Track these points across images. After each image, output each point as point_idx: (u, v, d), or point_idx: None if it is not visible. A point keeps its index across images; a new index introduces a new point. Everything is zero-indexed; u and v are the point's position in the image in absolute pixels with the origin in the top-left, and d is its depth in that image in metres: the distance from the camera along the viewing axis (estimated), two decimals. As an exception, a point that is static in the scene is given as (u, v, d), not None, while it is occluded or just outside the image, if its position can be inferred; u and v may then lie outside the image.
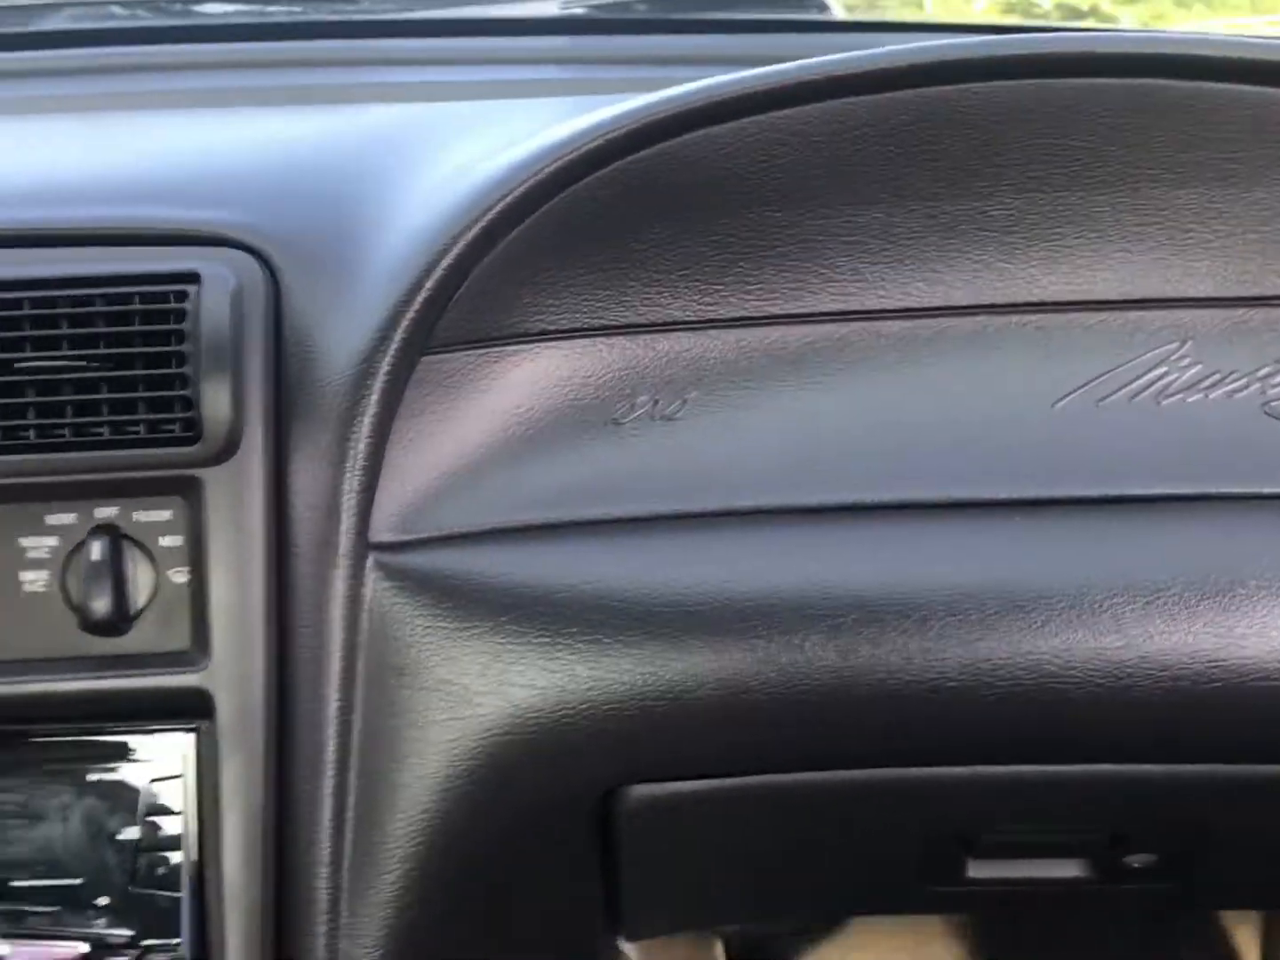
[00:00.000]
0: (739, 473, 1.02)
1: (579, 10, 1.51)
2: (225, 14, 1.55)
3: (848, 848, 1.09)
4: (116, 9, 1.56)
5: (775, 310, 1.06)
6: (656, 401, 1.05)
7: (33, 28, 1.57)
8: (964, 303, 1.06)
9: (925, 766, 1.03)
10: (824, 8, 1.58)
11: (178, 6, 1.56)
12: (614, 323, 1.05)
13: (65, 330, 0.96)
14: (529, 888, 1.11)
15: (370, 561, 0.99)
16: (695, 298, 1.05)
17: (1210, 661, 0.94)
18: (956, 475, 1.01)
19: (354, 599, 0.99)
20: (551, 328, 1.04)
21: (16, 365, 0.96)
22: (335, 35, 1.54)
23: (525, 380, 1.04)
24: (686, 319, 1.05)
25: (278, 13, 1.54)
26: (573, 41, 1.54)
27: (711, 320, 1.06)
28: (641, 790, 1.04)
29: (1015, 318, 1.05)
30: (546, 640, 0.97)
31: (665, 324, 1.05)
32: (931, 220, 1.05)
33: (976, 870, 1.14)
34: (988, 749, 1.01)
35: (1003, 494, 1.00)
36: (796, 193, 1.04)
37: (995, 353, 1.05)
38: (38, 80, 1.47)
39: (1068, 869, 1.17)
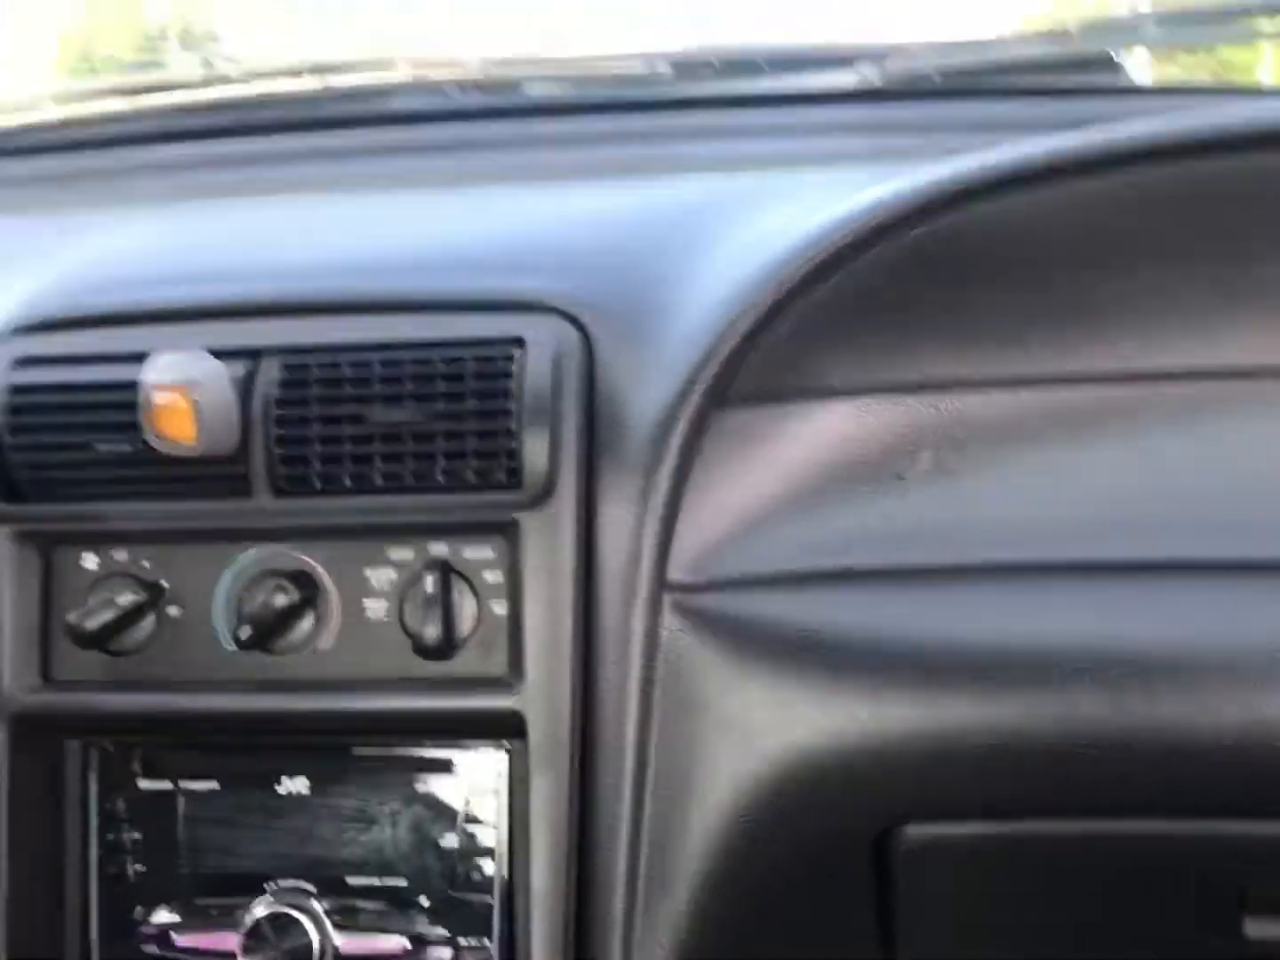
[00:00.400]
0: (1017, 528, 1.06)
1: (876, 81, 1.55)
2: (549, 94, 1.67)
3: (1119, 895, 1.10)
4: (450, 90, 1.70)
5: (1058, 371, 1.10)
6: (938, 457, 1.10)
7: (374, 109, 1.72)
8: (1250, 365, 1.07)
9: (1198, 819, 1.04)
10: (1120, 72, 1.58)
11: (503, 87, 1.68)
12: (900, 382, 1.11)
13: (408, 388, 1.08)
14: (806, 916, 1.16)
15: (667, 601, 1.07)
16: (980, 359, 1.10)
17: None
18: (1235, 535, 1.02)
19: (651, 636, 1.07)
20: (840, 386, 1.11)
21: (367, 419, 1.08)
22: (646, 111, 1.64)
23: (814, 435, 1.10)
24: (970, 379, 1.10)
25: (596, 92, 1.64)
26: (870, 110, 1.59)
27: (995, 380, 1.10)
28: (917, 830, 1.08)
29: None
30: (827, 682, 1.03)
31: (949, 383, 1.10)
32: (1217, 285, 1.07)
33: (1255, 929, 1.13)
34: (1264, 805, 1.01)
35: None
36: (1083, 258, 1.07)
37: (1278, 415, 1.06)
38: (380, 158, 1.63)
39: None
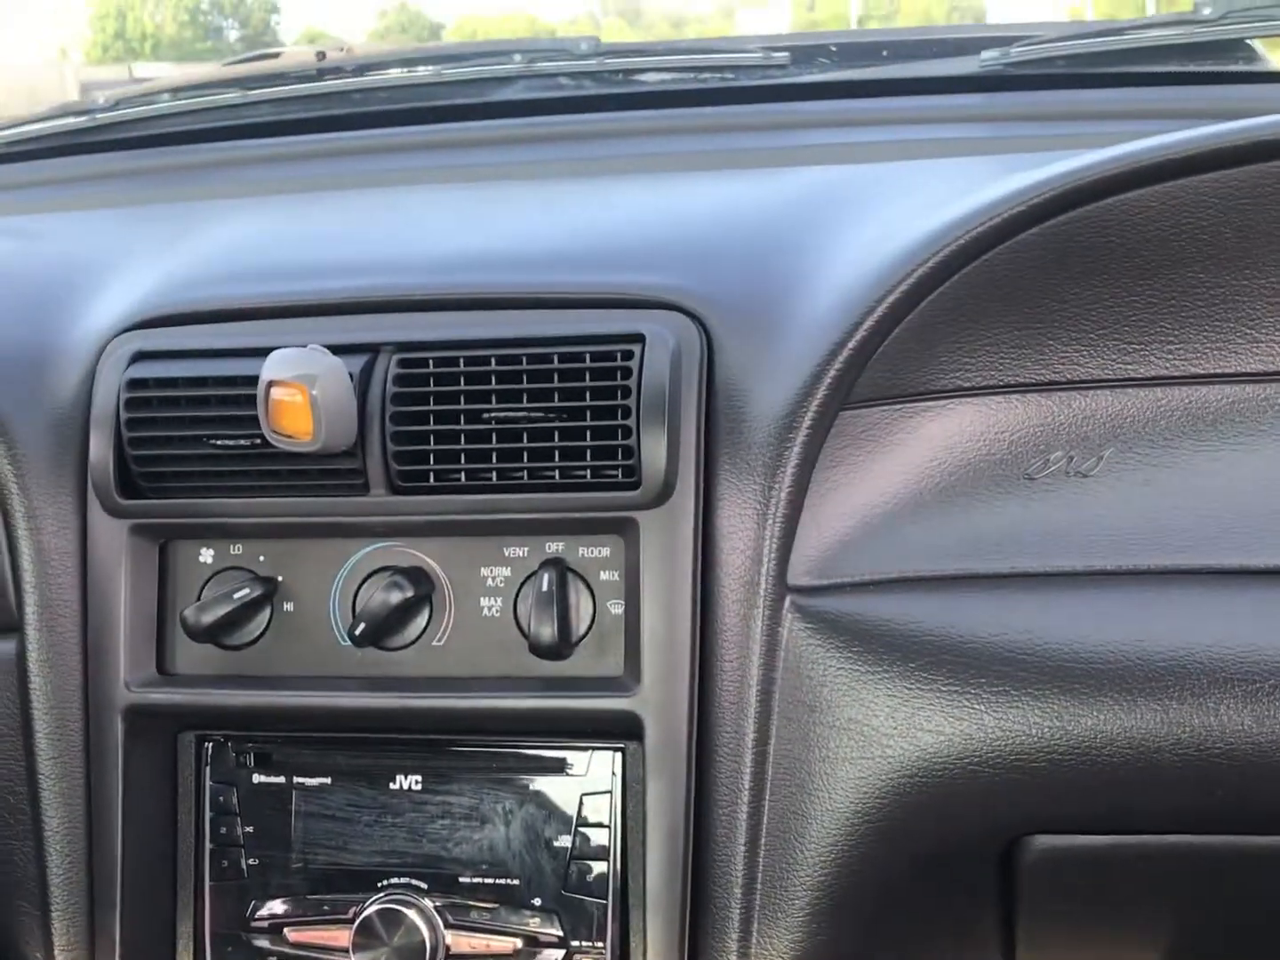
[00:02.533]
0: (1154, 531, 1.02)
1: (998, 67, 1.52)
2: (663, 82, 1.65)
3: (1251, 909, 1.07)
4: (565, 80, 1.68)
5: (1197, 370, 1.06)
6: (1071, 458, 1.06)
7: (487, 99, 1.71)
8: None
9: None
10: (1253, 58, 1.53)
11: (620, 77, 1.67)
12: (1030, 380, 1.07)
13: (525, 385, 1.07)
14: (929, 922, 1.14)
15: (788, 604, 1.05)
16: (1114, 357, 1.06)
17: None
18: None
19: (772, 638, 1.05)
20: (967, 384, 1.08)
21: (484, 415, 1.07)
22: (762, 99, 1.61)
23: (940, 435, 1.08)
24: (1105, 377, 1.07)
25: (710, 80, 1.62)
26: (992, 98, 1.56)
27: (1131, 379, 1.07)
28: (1045, 841, 1.05)
29: None
30: (955, 688, 1.00)
31: (1083, 382, 1.07)
32: None
33: None
34: None
35: None
36: (1221, 253, 1.03)
37: None
38: (493, 149, 1.62)
39: None
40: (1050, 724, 0.98)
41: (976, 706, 1.00)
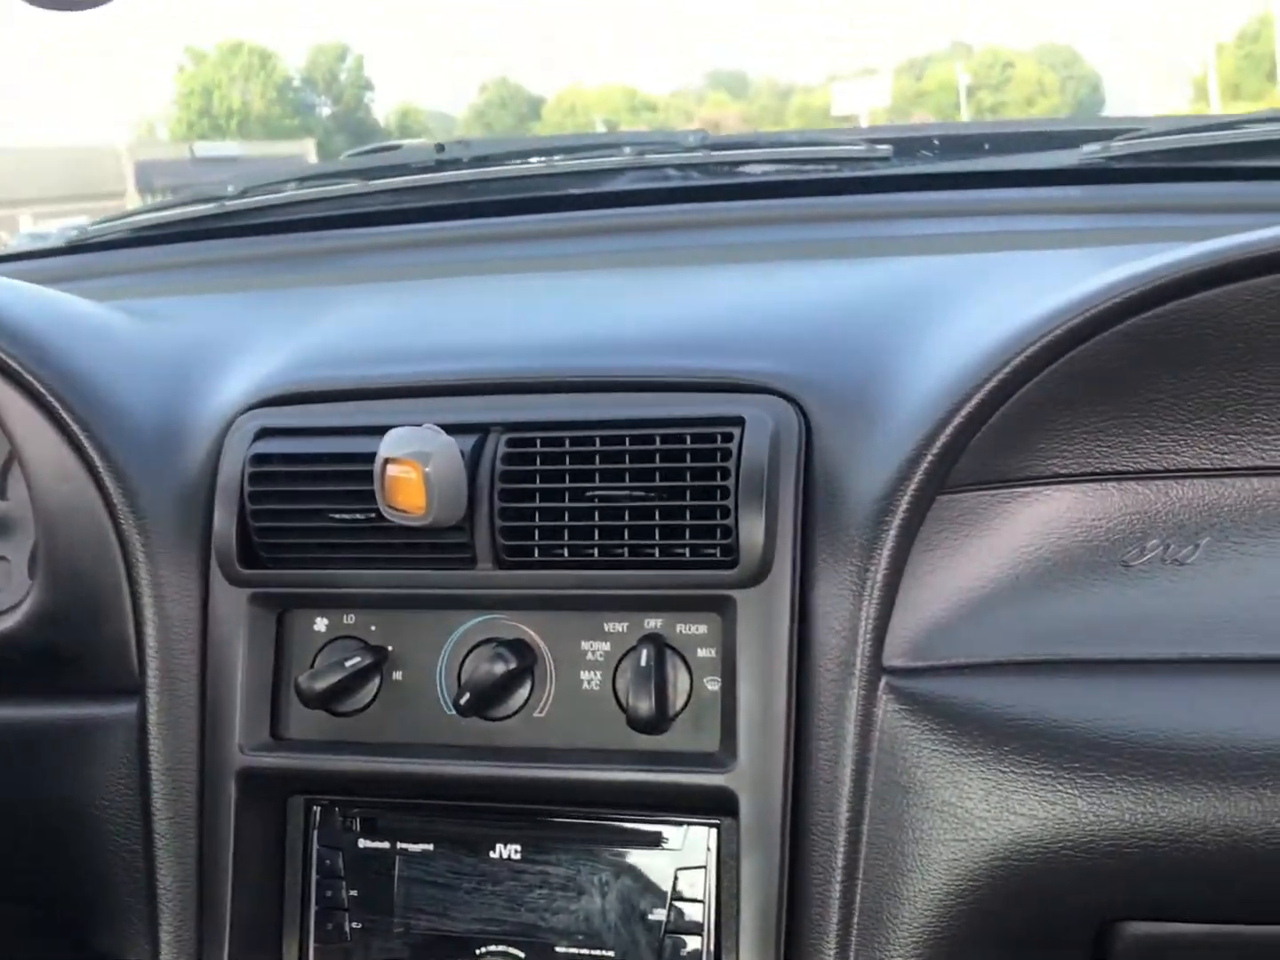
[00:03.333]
0: (1250, 620, 1.03)
1: (1099, 160, 1.54)
2: (767, 173, 1.69)
3: None
4: (672, 171, 1.73)
5: None
6: (1168, 546, 1.07)
7: (597, 190, 1.76)
8: None
9: None
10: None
11: (725, 168, 1.71)
12: (1127, 468, 1.09)
13: (628, 465, 1.10)
14: None
15: (883, 684, 1.06)
16: (1211, 446, 1.07)
17: None
18: None
19: (867, 718, 1.06)
20: (1064, 471, 1.09)
21: (588, 494, 1.11)
22: (862, 191, 1.64)
23: (1036, 520, 1.09)
24: (1201, 466, 1.08)
25: (814, 171, 1.66)
26: (1092, 191, 1.57)
27: (1228, 469, 1.07)
28: (1139, 928, 1.05)
29: None
30: (1049, 773, 1.01)
31: (1179, 471, 1.08)
32: None
33: None
34: None
35: None
36: None
37: None
38: (602, 238, 1.66)
39: None
40: (1144, 810, 0.98)
41: (1070, 791, 1.00)
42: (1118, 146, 1.53)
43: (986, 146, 1.68)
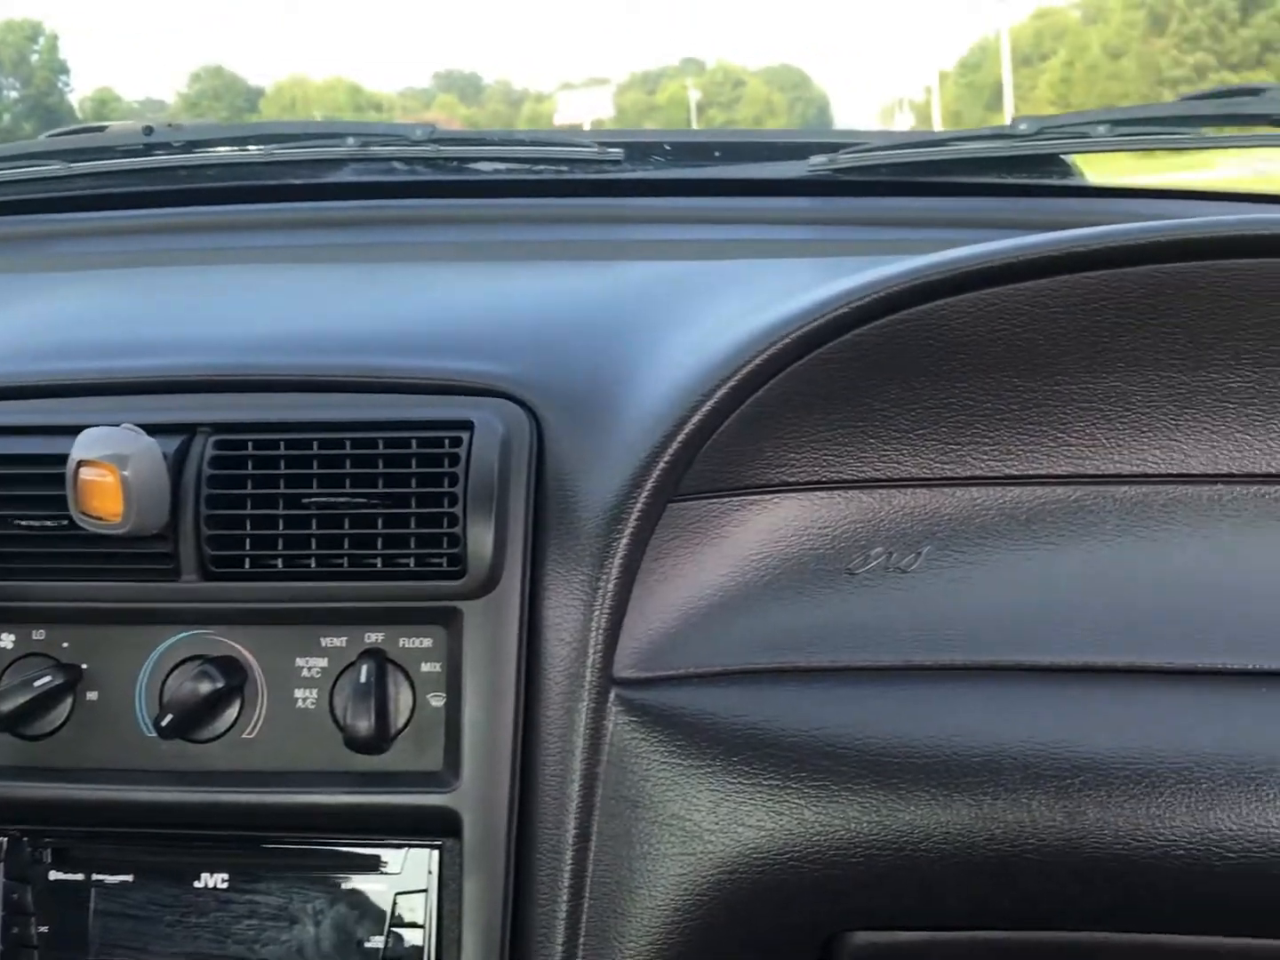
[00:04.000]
0: (970, 628, 1.04)
1: (826, 172, 1.56)
2: (497, 171, 1.65)
3: None
4: (398, 165, 1.68)
5: (1010, 470, 1.09)
6: (890, 554, 1.08)
7: (319, 181, 1.70)
8: (1200, 471, 1.07)
9: (1153, 933, 1.02)
10: (1067, 172, 1.60)
11: (454, 164, 1.67)
12: (851, 477, 1.09)
13: (348, 470, 1.05)
14: None
15: (613, 696, 1.04)
16: (932, 456, 1.09)
17: None
18: (1189, 641, 1.01)
19: (596, 731, 1.03)
20: (791, 480, 1.09)
21: (303, 500, 1.05)
22: (593, 194, 1.63)
23: (764, 528, 1.09)
24: (922, 476, 1.09)
25: (545, 171, 1.63)
26: (818, 202, 1.60)
27: (947, 478, 1.09)
28: (863, 938, 1.05)
29: (1254, 488, 1.06)
30: (776, 783, 1.00)
31: (901, 480, 1.09)
32: (1169, 390, 1.07)
33: None
34: (1221, 920, 1.00)
35: (1235, 663, 1.00)
36: (1033, 359, 1.07)
37: (1231, 521, 1.05)
38: (323, 231, 1.60)
39: None
40: (869, 818, 0.98)
41: (797, 801, 1.00)
42: (844, 159, 1.56)
43: (717, 154, 1.68)
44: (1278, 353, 1.04)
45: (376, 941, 1.07)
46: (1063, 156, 1.59)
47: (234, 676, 1.07)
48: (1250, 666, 1.00)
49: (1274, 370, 1.05)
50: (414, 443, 1.05)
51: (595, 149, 1.62)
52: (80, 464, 1.01)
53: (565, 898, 1.03)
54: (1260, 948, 1.02)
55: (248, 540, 1.05)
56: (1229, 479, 1.06)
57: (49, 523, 1.05)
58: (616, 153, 1.61)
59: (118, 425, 1.04)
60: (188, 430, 1.07)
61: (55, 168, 1.65)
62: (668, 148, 1.69)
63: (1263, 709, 0.98)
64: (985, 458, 1.09)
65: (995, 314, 1.05)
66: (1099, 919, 1.02)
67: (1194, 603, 1.04)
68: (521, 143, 1.66)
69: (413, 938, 1.07)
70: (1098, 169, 1.66)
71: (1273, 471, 1.06)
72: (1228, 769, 0.95)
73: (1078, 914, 1.01)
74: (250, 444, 1.06)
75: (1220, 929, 1.01)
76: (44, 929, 1.10)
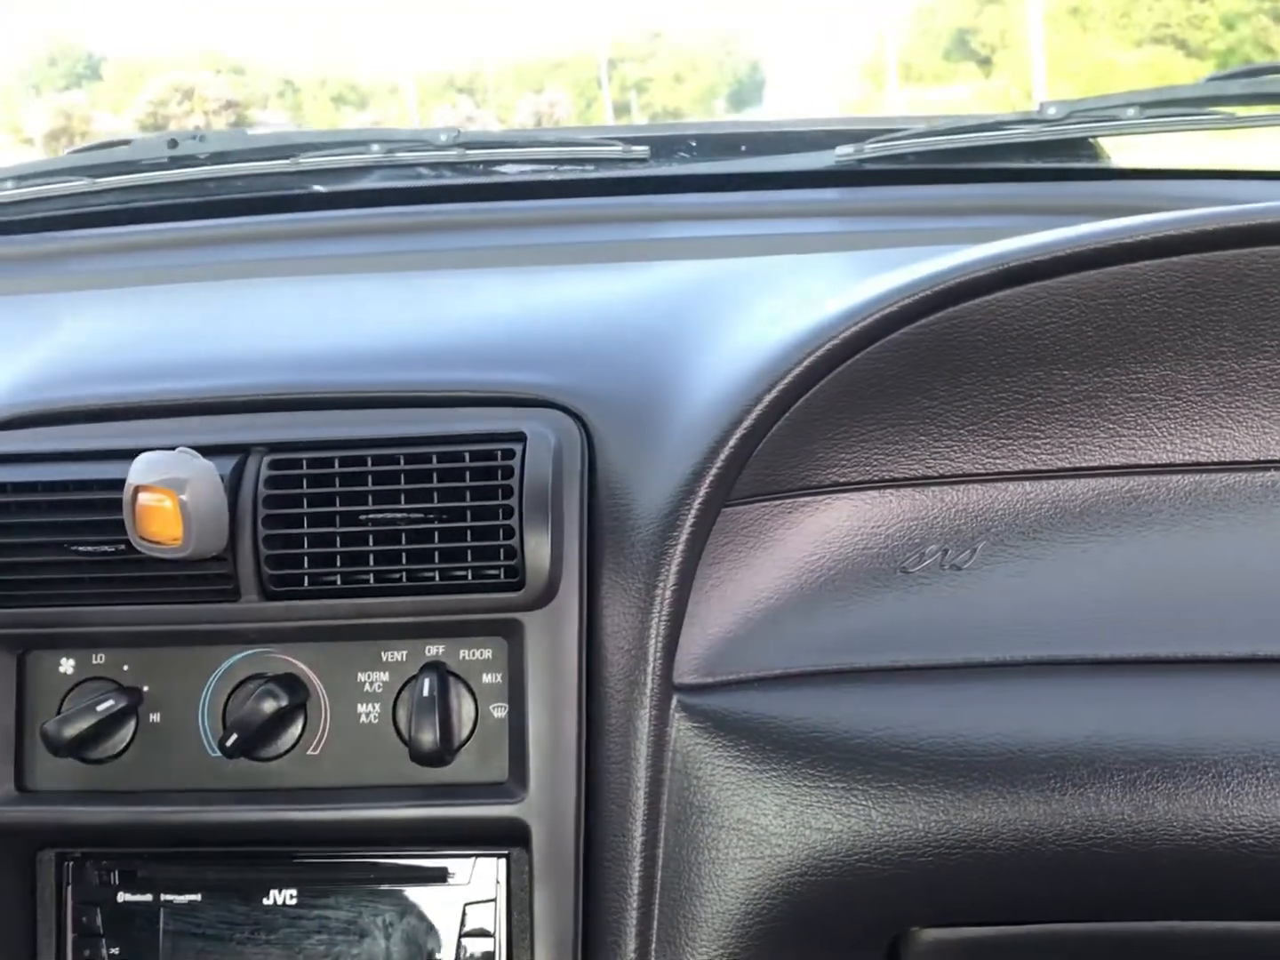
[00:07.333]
0: (1029, 623, 1.04)
1: (852, 162, 1.55)
2: (523, 173, 1.65)
3: None
4: (424, 170, 1.68)
5: (1062, 464, 1.09)
6: (945, 551, 1.08)
7: (344, 188, 1.69)
8: (1253, 458, 1.07)
9: (1225, 921, 1.03)
10: (1097, 156, 1.59)
11: (480, 168, 1.67)
12: (903, 475, 1.09)
13: (403, 485, 1.05)
14: None
15: (674, 702, 1.04)
16: (983, 451, 1.09)
17: None
18: (1247, 630, 1.01)
19: (659, 738, 1.04)
20: (843, 480, 1.09)
21: (360, 517, 1.05)
22: (619, 192, 1.63)
23: (818, 529, 1.09)
24: (975, 472, 1.09)
25: (570, 171, 1.63)
26: (846, 193, 1.59)
27: (1000, 473, 1.09)
28: (933, 934, 1.06)
29: None
30: (842, 785, 1.00)
31: (954, 476, 1.09)
32: (1219, 378, 1.06)
33: None
34: None
35: None
36: (1082, 351, 1.07)
37: None
38: (354, 239, 1.60)
39: None
40: (936, 818, 0.99)
41: (864, 802, 1.00)
42: (870, 149, 1.55)
43: (743, 148, 1.68)
44: None
45: (447, 953, 1.08)
46: (1091, 140, 1.58)
47: (296, 694, 1.07)
48: None
49: None
50: (467, 456, 1.05)
51: (620, 147, 1.61)
52: (138, 489, 1.01)
53: (635, 904, 1.04)
54: None
55: (306, 559, 1.05)
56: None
57: (107, 548, 1.05)
58: (641, 150, 1.61)
59: (173, 448, 1.04)
60: (242, 450, 1.07)
61: (80, 184, 1.65)
62: (693, 143, 1.69)
63: None
64: (1037, 451, 1.09)
65: (1043, 307, 1.05)
66: (1167, 909, 1.02)
67: (1250, 590, 1.03)
68: (547, 144, 1.66)
69: (483, 948, 1.08)
70: (1127, 147, 1.65)
71: None
72: None
73: (1146, 905, 1.02)
74: (305, 462, 1.06)
75: None
76: (115, 950, 1.11)
